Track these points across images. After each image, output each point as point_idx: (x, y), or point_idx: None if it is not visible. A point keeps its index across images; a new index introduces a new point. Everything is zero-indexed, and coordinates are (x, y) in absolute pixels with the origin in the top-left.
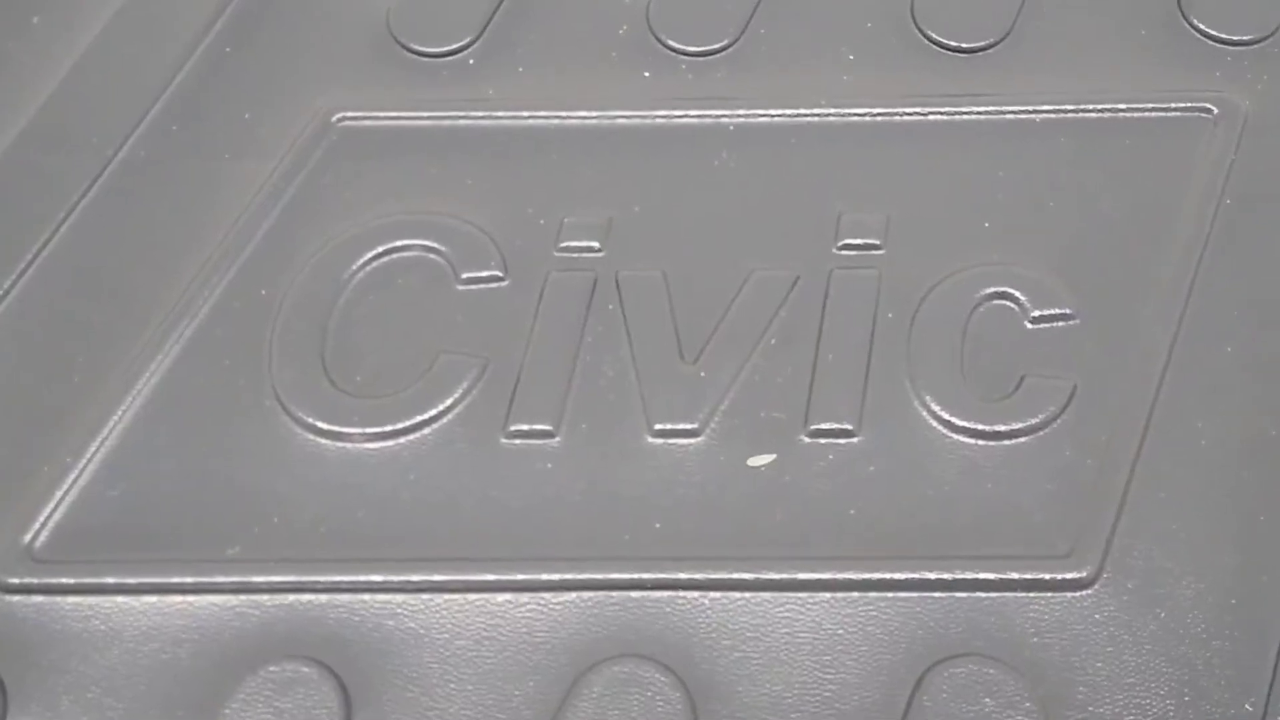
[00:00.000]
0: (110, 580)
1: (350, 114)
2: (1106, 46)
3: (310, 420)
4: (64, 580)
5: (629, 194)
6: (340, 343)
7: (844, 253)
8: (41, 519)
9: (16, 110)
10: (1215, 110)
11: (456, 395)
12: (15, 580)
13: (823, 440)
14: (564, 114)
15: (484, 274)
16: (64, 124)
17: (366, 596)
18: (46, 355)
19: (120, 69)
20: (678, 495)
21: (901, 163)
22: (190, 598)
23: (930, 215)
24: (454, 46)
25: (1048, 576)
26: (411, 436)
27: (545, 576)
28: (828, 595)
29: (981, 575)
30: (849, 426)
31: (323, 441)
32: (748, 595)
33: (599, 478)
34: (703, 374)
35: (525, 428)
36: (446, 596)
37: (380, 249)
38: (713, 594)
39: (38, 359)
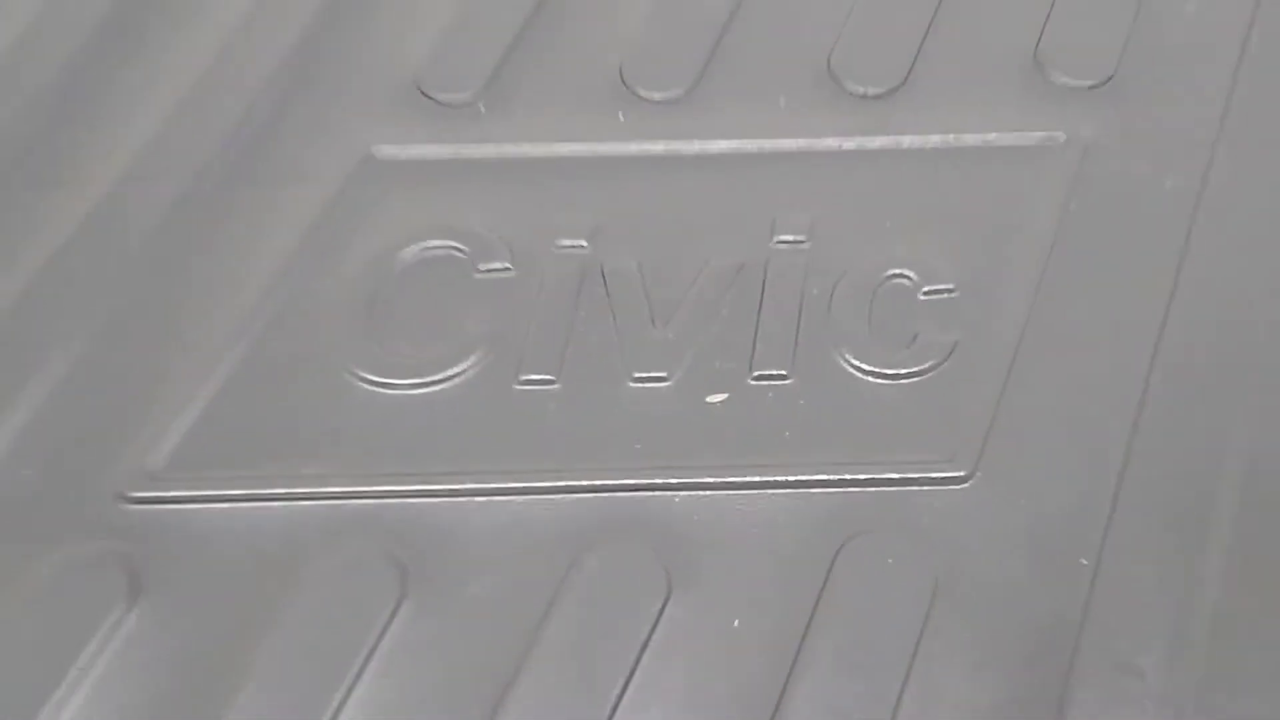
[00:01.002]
0: (216, 492)
1: (387, 148)
2: (980, 91)
3: (366, 375)
4: (181, 492)
5: (610, 207)
6: (387, 317)
7: (779, 246)
8: (157, 444)
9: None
10: (1064, 138)
11: (478, 355)
12: (141, 494)
13: (764, 383)
14: (557, 146)
15: (496, 265)
16: (154, 160)
17: (415, 500)
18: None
19: (193, 115)
20: (652, 424)
21: (823, 181)
22: (280, 504)
23: (845, 219)
24: (467, 95)
25: (936, 475)
26: (444, 385)
27: (551, 483)
28: (769, 493)
29: (887, 475)
30: (784, 372)
31: (377, 390)
32: (708, 494)
33: (591, 413)
34: (670, 336)
35: (533, 377)
36: (477, 499)
37: (416, 248)
38: (680, 493)
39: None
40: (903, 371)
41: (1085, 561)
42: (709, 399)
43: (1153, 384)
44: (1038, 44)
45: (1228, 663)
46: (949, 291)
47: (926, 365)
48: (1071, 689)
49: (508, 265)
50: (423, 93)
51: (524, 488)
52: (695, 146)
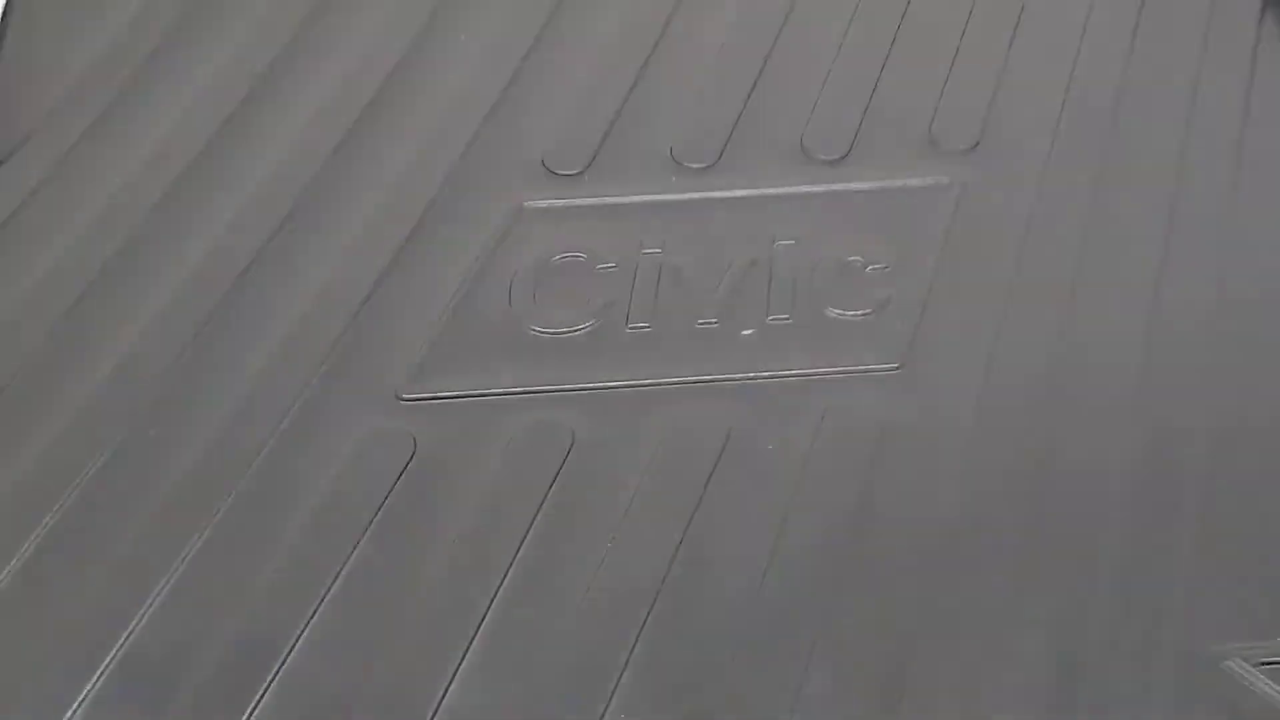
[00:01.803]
0: (450, 393)
1: (531, 203)
2: (897, 155)
3: (536, 328)
4: (432, 394)
5: (670, 230)
6: (546, 294)
7: (778, 246)
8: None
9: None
10: (949, 181)
11: (599, 314)
12: (411, 394)
13: (773, 323)
14: (634, 197)
15: (607, 264)
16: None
17: (578, 394)
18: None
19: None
20: (709, 349)
21: (804, 209)
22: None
23: (818, 231)
24: (577, 169)
25: (878, 367)
26: (583, 331)
27: (651, 383)
28: (779, 381)
29: (841, 370)
30: (786, 317)
31: (543, 335)
32: (738, 382)
33: (674, 345)
34: (716, 298)
35: (637, 325)
36: (614, 395)
37: (558, 257)
38: (727, 381)
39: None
40: (857, 315)
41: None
42: (743, 332)
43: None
44: (932, 122)
45: None
46: (883, 268)
47: (871, 310)
48: None
49: (613, 264)
50: (548, 169)
51: (634, 386)
52: (720, 195)
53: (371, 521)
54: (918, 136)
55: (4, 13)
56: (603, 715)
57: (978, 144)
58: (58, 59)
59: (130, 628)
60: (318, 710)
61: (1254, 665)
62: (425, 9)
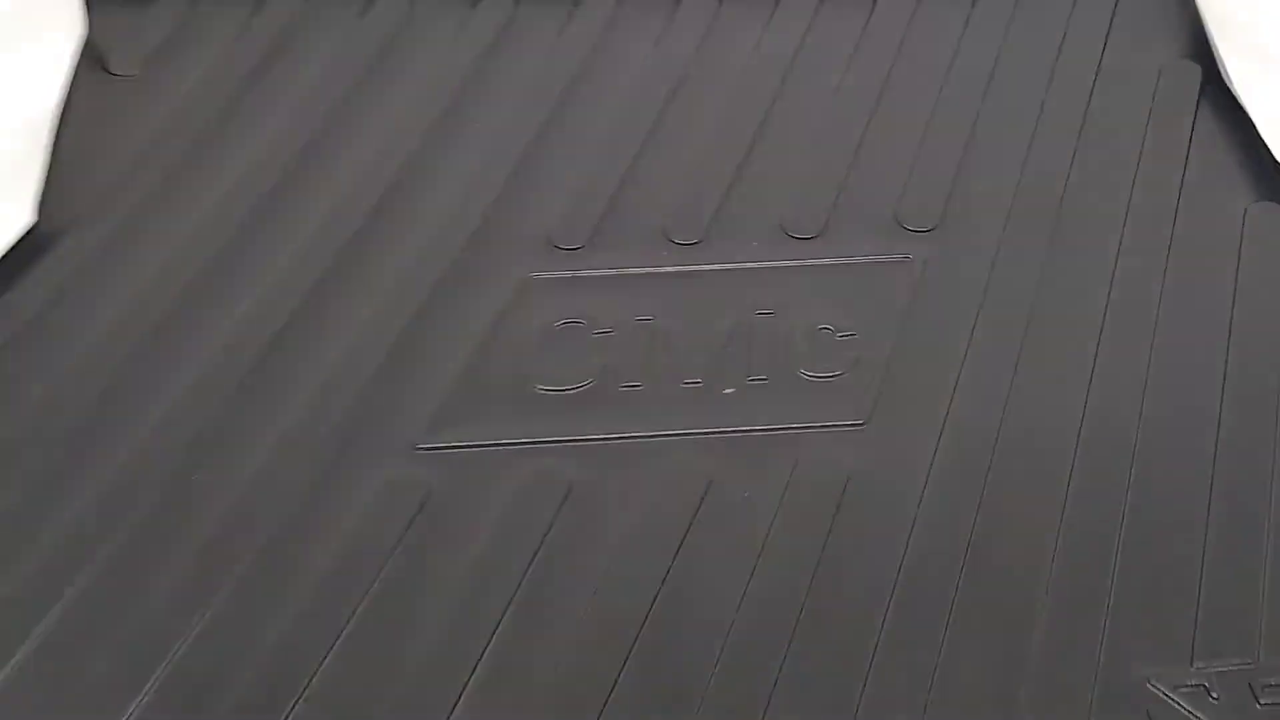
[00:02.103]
0: (461, 444)
1: (538, 275)
2: (866, 236)
3: (541, 386)
4: (446, 445)
5: (663, 299)
6: (551, 355)
7: (757, 316)
8: (434, 414)
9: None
10: (912, 258)
11: (597, 373)
12: (427, 445)
13: (751, 383)
14: (630, 269)
15: (603, 329)
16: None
17: (578, 445)
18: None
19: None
20: (693, 406)
21: (780, 283)
22: (505, 449)
23: (793, 301)
24: (580, 243)
25: (845, 424)
26: (582, 389)
27: (644, 437)
28: (760, 436)
29: (812, 426)
30: (764, 378)
31: (548, 393)
32: (719, 437)
33: (661, 404)
34: (701, 361)
35: (629, 383)
36: (612, 445)
37: (560, 322)
38: (705, 436)
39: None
40: (827, 376)
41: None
42: (724, 391)
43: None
44: (897, 204)
45: None
46: (852, 334)
47: (840, 372)
48: None
49: (609, 329)
50: (553, 245)
51: (626, 439)
52: (706, 268)
53: (391, 554)
54: (884, 217)
55: (62, 104)
56: None
57: (937, 225)
58: (108, 146)
59: (174, 651)
60: None
61: (1172, 689)
62: (439, 106)
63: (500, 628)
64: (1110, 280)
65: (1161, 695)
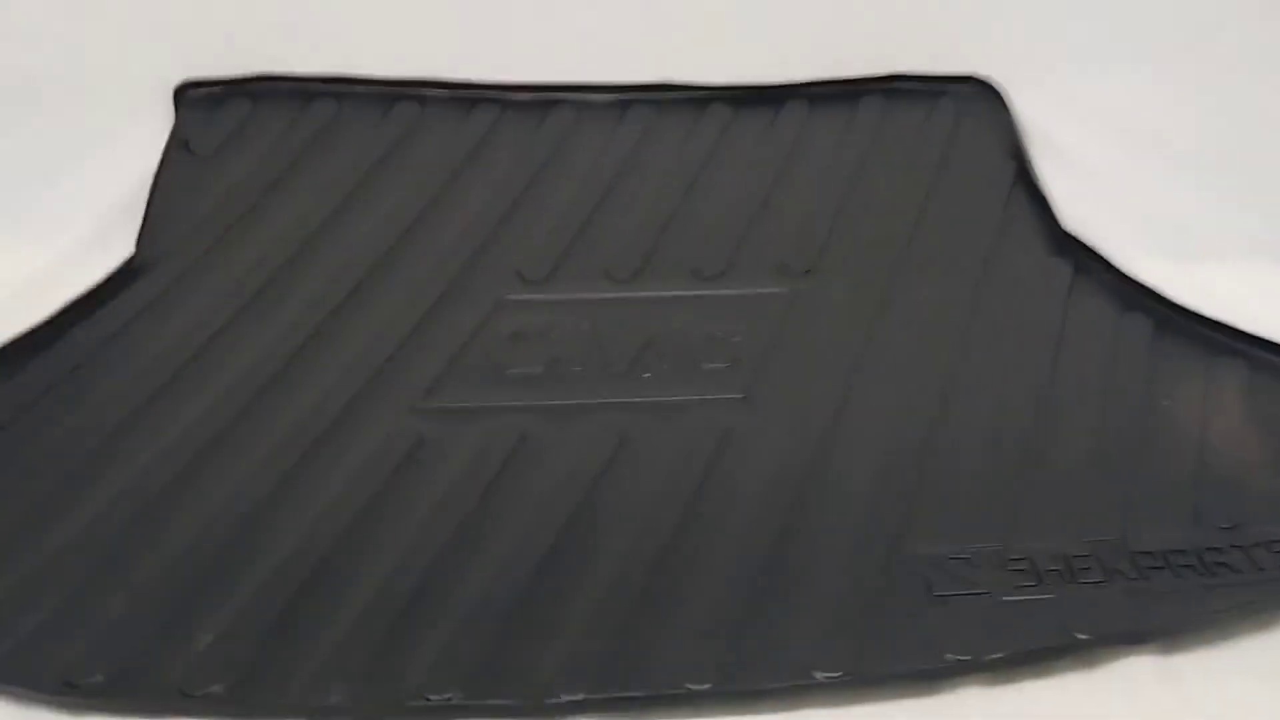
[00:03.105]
0: (450, 405)
1: (509, 296)
2: (750, 276)
3: (508, 370)
4: (439, 405)
5: (596, 319)
6: (510, 351)
7: (669, 325)
8: (425, 387)
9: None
10: (788, 291)
11: (545, 367)
12: (421, 406)
13: (662, 370)
14: (584, 294)
15: (559, 335)
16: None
17: (518, 408)
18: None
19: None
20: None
21: (683, 308)
22: (480, 409)
23: (693, 320)
24: (541, 276)
25: (730, 396)
26: (532, 373)
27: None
28: (656, 405)
29: (705, 397)
30: (672, 367)
31: (512, 373)
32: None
33: (595, 388)
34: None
35: (573, 372)
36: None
37: (521, 330)
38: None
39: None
40: (717, 366)
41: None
42: (643, 375)
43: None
44: (780, 256)
45: None
46: (737, 340)
47: (728, 364)
48: None
49: (560, 335)
50: (521, 277)
51: (568, 404)
52: (635, 295)
53: (391, 477)
54: (770, 265)
55: (157, 170)
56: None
57: (810, 270)
58: (188, 202)
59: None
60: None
61: (945, 560)
62: (440, 180)
63: (463, 530)
64: (931, 311)
65: (938, 563)
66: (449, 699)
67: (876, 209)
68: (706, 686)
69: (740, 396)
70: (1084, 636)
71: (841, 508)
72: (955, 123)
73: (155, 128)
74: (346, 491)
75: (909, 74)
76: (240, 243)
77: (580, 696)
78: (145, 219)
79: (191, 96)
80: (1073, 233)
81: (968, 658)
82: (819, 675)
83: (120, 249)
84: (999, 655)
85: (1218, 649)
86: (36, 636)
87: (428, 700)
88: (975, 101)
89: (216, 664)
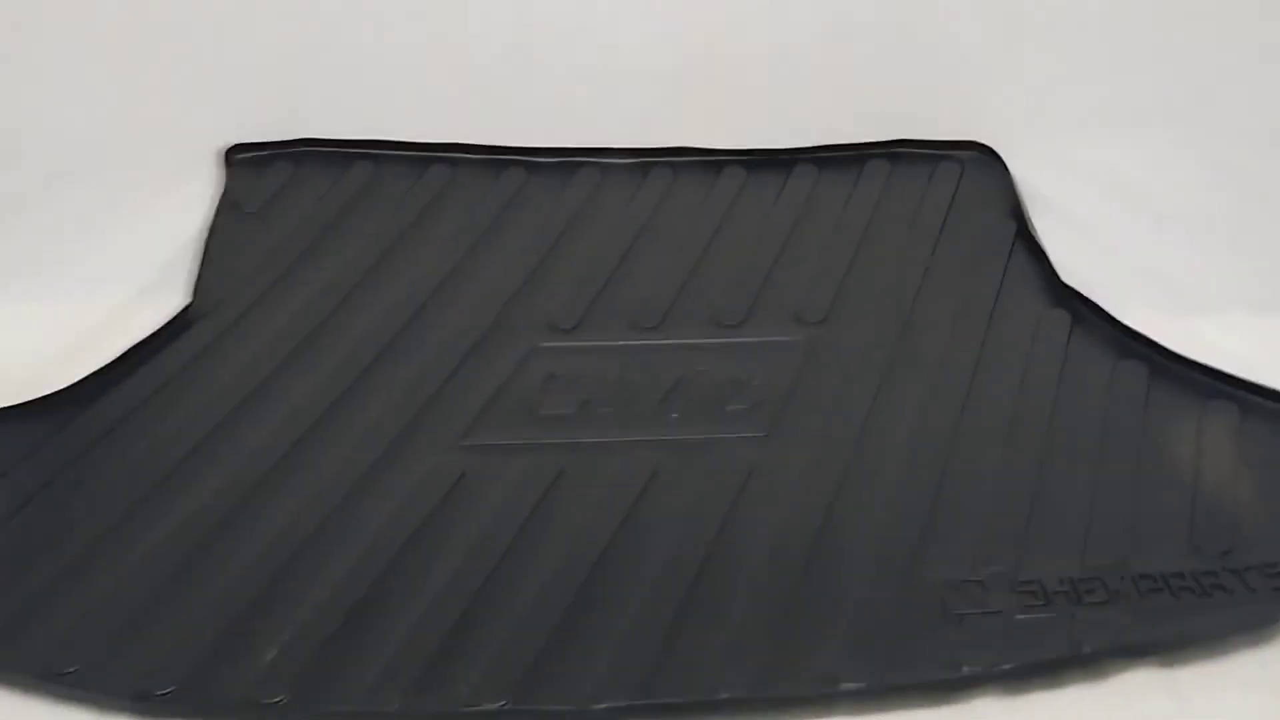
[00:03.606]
0: (489, 442)
1: (543, 344)
2: (767, 325)
3: (540, 411)
4: (479, 442)
5: (624, 365)
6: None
7: (693, 370)
8: (466, 425)
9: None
10: (803, 340)
11: (577, 409)
12: (464, 443)
13: (689, 410)
14: (614, 342)
15: (590, 379)
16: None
17: (552, 444)
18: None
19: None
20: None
21: (705, 355)
22: (515, 445)
23: (715, 366)
24: (569, 325)
25: (752, 434)
26: (565, 415)
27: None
28: (683, 443)
29: (729, 435)
30: (697, 408)
31: (545, 415)
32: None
33: (625, 428)
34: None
35: (603, 413)
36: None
37: (554, 374)
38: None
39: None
40: (740, 407)
41: None
42: (671, 415)
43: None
44: (796, 307)
45: None
46: (760, 384)
47: (750, 406)
48: None
49: (592, 379)
50: (552, 326)
51: (600, 443)
52: (659, 343)
53: (436, 508)
54: (787, 315)
55: (209, 226)
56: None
57: (824, 319)
58: (239, 254)
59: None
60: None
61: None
62: (475, 237)
63: (508, 554)
64: (939, 358)
65: (953, 586)
66: (502, 705)
67: (886, 264)
68: (740, 694)
69: (762, 435)
70: (1090, 650)
71: (861, 536)
72: (958, 185)
73: (202, 187)
74: (397, 518)
75: (913, 139)
76: (288, 293)
77: (623, 703)
78: (200, 271)
79: (240, 159)
80: (1071, 286)
81: (981, 669)
82: (844, 685)
83: (171, 298)
84: (1010, 667)
85: (1215, 662)
86: (113, 649)
87: (480, 708)
88: (977, 165)
89: (280, 675)
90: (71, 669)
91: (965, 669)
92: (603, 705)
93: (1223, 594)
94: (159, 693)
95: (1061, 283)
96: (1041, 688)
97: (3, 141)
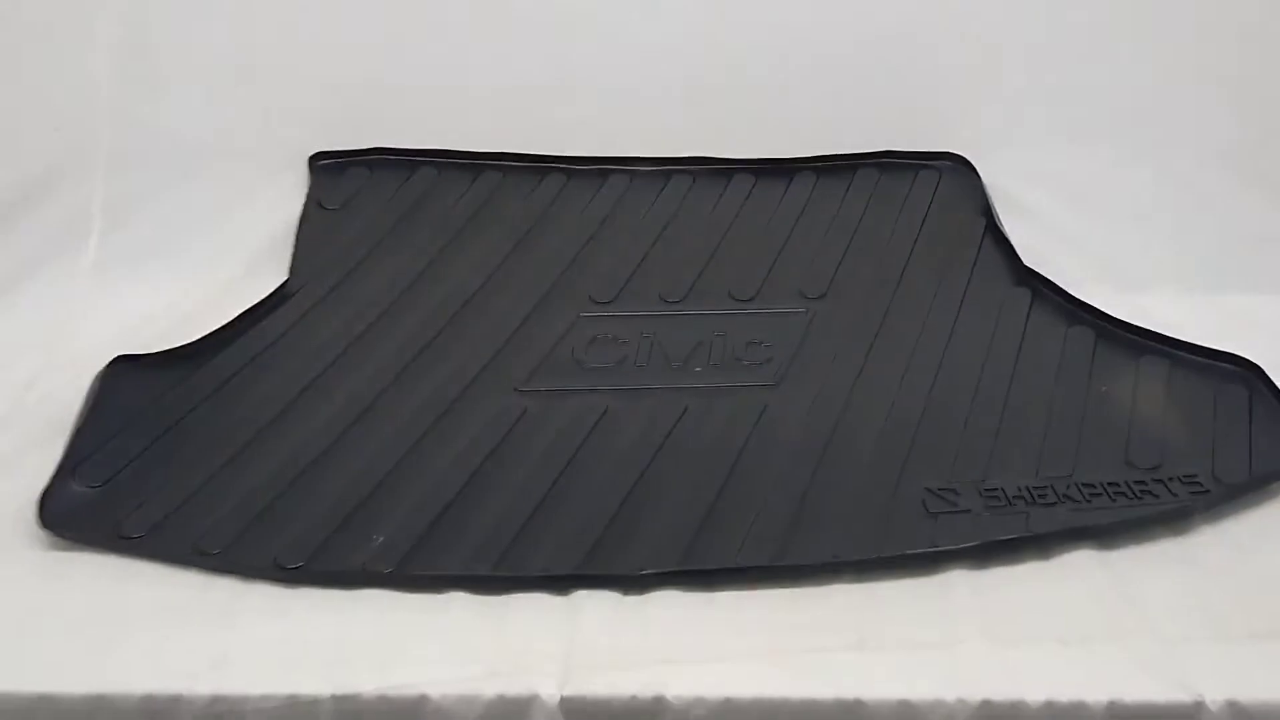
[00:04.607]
0: (542, 388)
1: (587, 314)
2: (776, 299)
3: (587, 364)
4: (534, 388)
5: (655, 330)
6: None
7: (713, 335)
8: (525, 374)
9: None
10: (806, 311)
11: (616, 362)
12: (522, 388)
13: (711, 365)
14: (641, 313)
15: (625, 340)
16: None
17: (597, 390)
18: None
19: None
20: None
21: (723, 323)
22: (567, 391)
23: (732, 331)
24: (610, 299)
25: (764, 384)
26: (605, 367)
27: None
28: (705, 389)
29: (745, 384)
30: (718, 363)
31: (590, 366)
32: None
33: (656, 377)
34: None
35: (638, 366)
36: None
37: (595, 336)
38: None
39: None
40: (754, 363)
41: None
42: (695, 369)
43: None
44: (799, 284)
45: None
46: (770, 345)
47: (763, 361)
48: None
49: (627, 340)
50: (593, 299)
51: (636, 388)
52: (685, 313)
53: (501, 441)
54: (792, 290)
55: (299, 220)
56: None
57: (823, 294)
58: (323, 243)
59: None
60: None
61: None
62: (522, 231)
63: (567, 467)
64: (921, 325)
65: (932, 492)
66: (570, 571)
67: (875, 250)
68: (762, 562)
69: (773, 383)
70: (1040, 532)
71: (856, 457)
72: (937, 188)
73: (293, 187)
74: (474, 443)
75: (899, 151)
76: (368, 273)
77: (667, 569)
78: (294, 254)
79: (322, 164)
80: (1031, 268)
81: (953, 547)
82: (845, 558)
83: (272, 276)
84: (976, 544)
85: (1142, 546)
86: (249, 537)
87: (553, 573)
88: (953, 172)
89: (388, 554)
90: (217, 550)
91: (940, 546)
92: (649, 571)
93: (1151, 498)
94: (290, 566)
95: (1024, 266)
96: (1001, 564)
97: (137, 146)
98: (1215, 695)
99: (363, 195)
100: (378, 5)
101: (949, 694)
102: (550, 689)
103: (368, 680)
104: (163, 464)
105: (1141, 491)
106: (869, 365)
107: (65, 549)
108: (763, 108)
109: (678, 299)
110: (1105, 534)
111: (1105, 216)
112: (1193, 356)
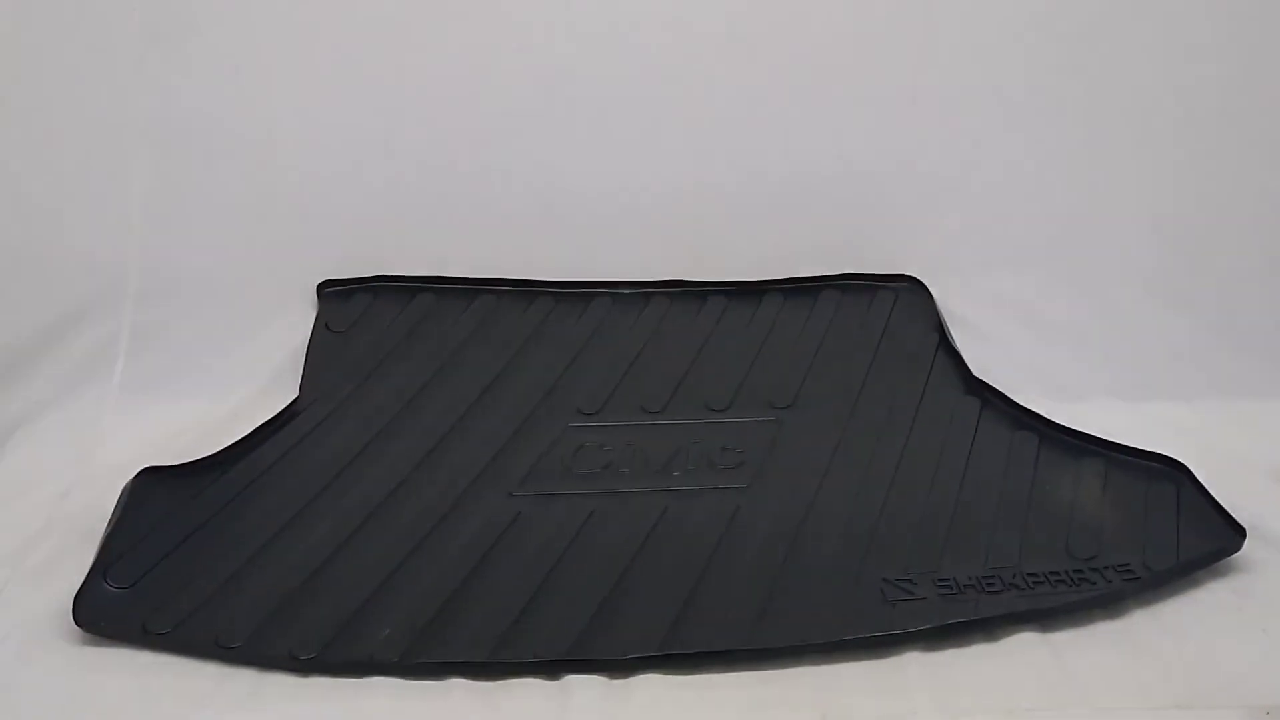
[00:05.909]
0: (536, 493)
1: (575, 425)
2: (747, 409)
3: (574, 470)
4: (527, 493)
5: (637, 438)
6: (575, 458)
7: (690, 442)
8: (517, 482)
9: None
10: (775, 420)
11: (602, 469)
12: (516, 493)
13: (688, 470)
14: (621, 425)
15: (610, 448)
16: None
17: (584, 495)
18: None
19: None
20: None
21: (698, 431)
22: (557, 496)
23: (705, 438)
24: (595, 411)
25: (736, 485)
26: (592, 473)
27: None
28: (683, 493)
29: (719, 487)
30: (694, 468)
31: (579, 473)
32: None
33: (639, 481)
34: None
35: (620, 472)
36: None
37: (583, 444)
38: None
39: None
40: (727, 467)
41: None
42: (674, 473)
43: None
44: (768, 395)
45: None
46: (741, 451)
47: (734, 465)
48: None
49: (611, 449)
50: (580, 411)
51: (617, 493)
52: (663, 423)
53: (494, 542)
54: (761, 401)
55: (307, 343)
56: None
57: (791, 404)
58: (330, 360)
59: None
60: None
61: (895, 580)
62: (514, 348)
63: (556, 565)
64: (879, 431)
65: (890, 581)
66: (561, 656)
67: (837, 364)
68: (735, 647)
69: (745, 485)
70: (988, 616)
71: (820, 551)
72: (893, 307)
73: (302, 313)
74: (471, 544)
75: (858, 274)
76: (372, 390)
77: (650, 654)
78: (303, 374)
79: (329, 290)
80: (980, 379)
81: (909, 630)
82: (811, 641)
83: (283, 395)
84: (929, 627)
85: (1081, 629)
86: (266, 631)
87: (544, 659)
88: (908, 293)
89: (394, 645)
90: (237, 644)
91: (896, 630)
92: (633, 655)
93: (1088, 585)
94: (304, 657)
95: (973, 376)
96: (952, 645)
97: (155, 278)
98: None
99: (367, 319)
100: (380, 148)
101: None
102: None
103: None
104: (186, 565)
105: (1080, 579)
106: (833, 468)
107: (97, 644)
108: (734, 236)
109: (657, 410)
110: (1047, 617)
111: (1045, 332)
112: (1126, 457)
